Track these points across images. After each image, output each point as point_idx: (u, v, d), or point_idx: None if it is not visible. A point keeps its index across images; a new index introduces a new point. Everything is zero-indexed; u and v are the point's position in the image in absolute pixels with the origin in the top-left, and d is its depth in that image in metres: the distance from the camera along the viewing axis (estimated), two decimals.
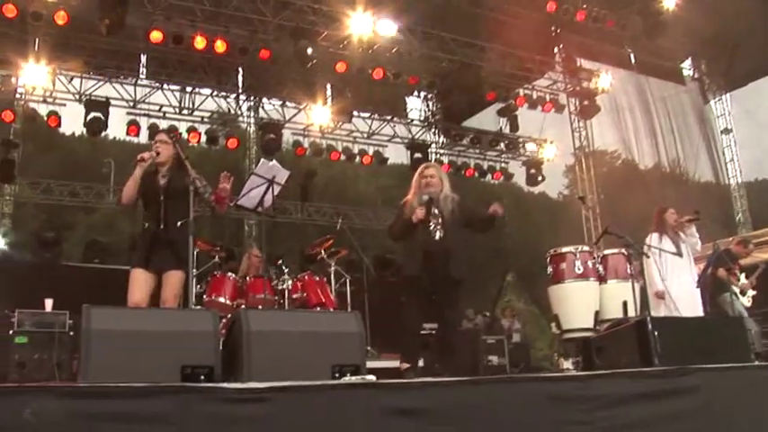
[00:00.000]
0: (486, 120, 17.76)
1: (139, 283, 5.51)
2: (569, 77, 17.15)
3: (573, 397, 4.08)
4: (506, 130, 17.56)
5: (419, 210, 6.10)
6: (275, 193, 6.78)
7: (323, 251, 8.84)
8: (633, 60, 16.69)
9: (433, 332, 11.46)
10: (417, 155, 16.60)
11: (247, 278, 7.95)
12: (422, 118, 17.82)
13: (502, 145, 17.72)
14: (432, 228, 6.19)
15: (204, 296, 7.63)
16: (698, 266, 8.41)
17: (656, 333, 5.28)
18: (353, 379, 4.12)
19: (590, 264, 7.59)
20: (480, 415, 3.66)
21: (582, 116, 17.46)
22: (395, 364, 9.73)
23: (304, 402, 3.26)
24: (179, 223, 5.52)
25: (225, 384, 3.27)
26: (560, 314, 7.65)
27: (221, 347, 4.40)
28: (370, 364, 4.84)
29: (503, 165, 18.03)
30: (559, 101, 17.03)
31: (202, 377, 4.13)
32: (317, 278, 8.12)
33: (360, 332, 4.67)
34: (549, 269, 7.72)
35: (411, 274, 6.23)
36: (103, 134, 14.17)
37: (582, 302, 7.53)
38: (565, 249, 7.65)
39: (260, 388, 3.20)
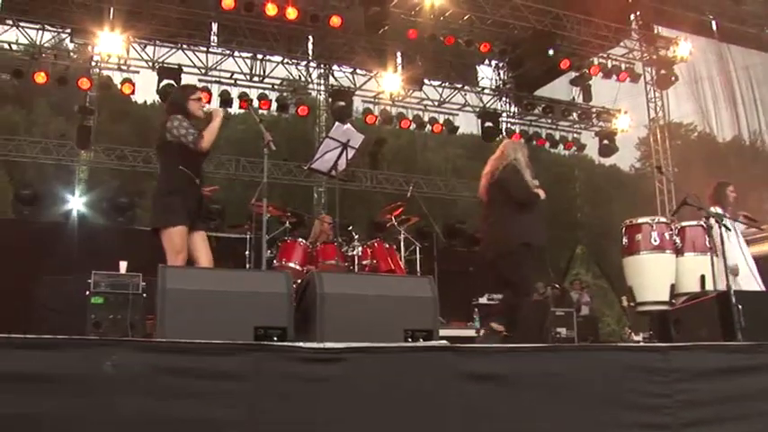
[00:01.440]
0: (559, 89, 17.37)
1: (185, 241, 5.36)
2: (646, 45, 16.63)
3: (653, 368, 3.98)
4: (579, 100, 17.19)
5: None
6: (349, 157, 6.72)
7: (393, 218, 8.80)
8: (714, 27, 16.06)
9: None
10: (488, 124, 16.37)
11: (318, 244, 7.98)
12: (493, 87, 17.55)
13: (574, 115, 17.38)
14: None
15: (274, 261, 7.66)
16: None
17: (739, 307, 5.11)
18: (432, 343, 4.06)
19: (667, 235, 7.37)
20: (558, 382, 3.59)
21: (658, 86, 16.94)
22: (465, 332, 9.77)
23: (380, 364, 3.23)
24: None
25: (302, 344, 3.26)
26: (634, 286, 7.47)
27: (294, 311, 4.42)
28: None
29: (575, 135, 17.69)
30: (635, 70, 16.52)
31: (275, 338, 4.17)
32: (387, 245, 8.09)
33: (433, 297, 4.64)
34: (624, 240, 7.52)
35: (539, 244, 6.62)
36: None
37: (657, 275, 7.33)
38: (641, 220, 7.44)
39: (337, 348, 3.19)
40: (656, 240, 7.33)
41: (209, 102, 14.08)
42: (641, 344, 6.16)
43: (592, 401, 3.77)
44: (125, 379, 2.96)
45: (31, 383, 2.83)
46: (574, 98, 17.25)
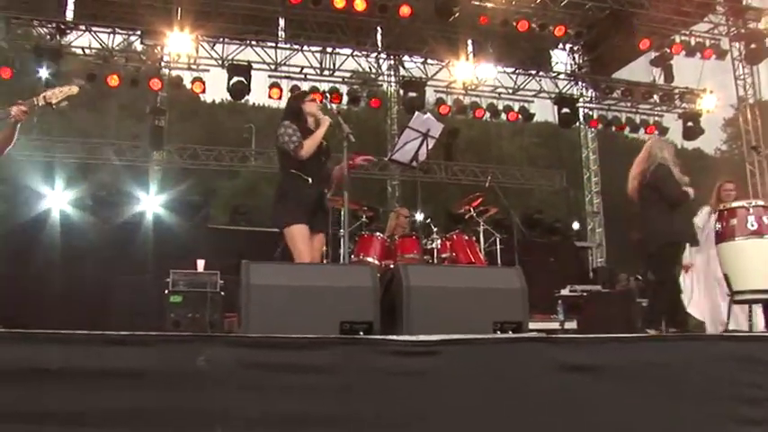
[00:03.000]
0: (638, 71, 16.96)
1: (307, 240, 5.56)
2: (733, 19, 16.02)
3: (761, 360, 3.81)
4: (660, 81, 16.72)
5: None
6: (429, 147, 6.74)
7: (472, 209, 8.69)
8: None
9: (585, 294, 11.23)
10: (565, 110, 16.08)
11: (395, 237, 7.98)
12: (568, 71, 17.25)
13: (655, 97, 16.91)
14: None
15: (352, 256, 7.65)
16: None
17: None
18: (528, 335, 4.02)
19: (765, 219, 7.08)
20: (660, 373, 3.49)
21: (748, 61, 16.30)
22: (548, 324, 9.62)
23: (477, 356, 3.20)
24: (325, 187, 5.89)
25: (394, 337, 3.25)
26: (730, 274, 7.18)
27: (379, 305, 4.43)
28: None
29: (656, 118, 17.21)
30: (721, 46, 16.00)
31: (361, 332, 4.18)
32: (467, 237, 8.02)
33: (522, 288, 4.60)
34: (718, 225, 7.26)
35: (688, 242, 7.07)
36: (243, 99, 14.55)
37: (756, 262, 7.02)
38: (736, 204, 7.16)
39: (431, 341, 3.17)
40: (753, 225, 7.02)
41: (279, 98, 14.25)
42: (742, 333, 5.99)
43: (692, 392, 3.64)
44: (218, 374, 2.99)
45: (127, 379, 2.89)
46: (654, 79, 16.79)
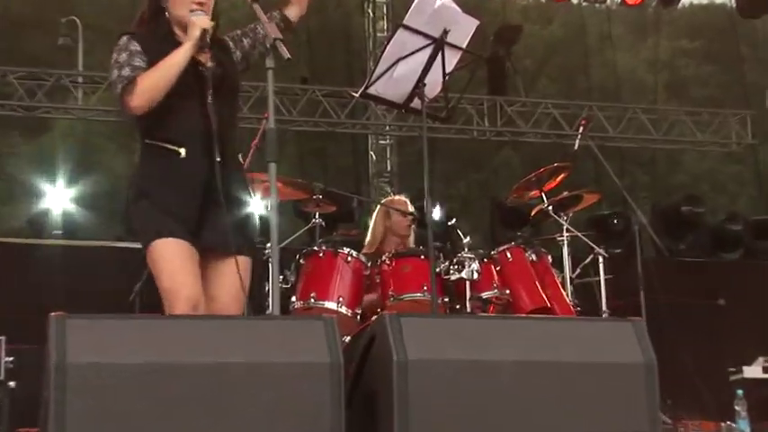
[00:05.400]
0: None
1: (189, 268, 3.41)
2: None
3: None
4: None
5: None
6: (450, 67, 4.21)
7: (544, 198, 6.09)
8: None
9: None
10: None
11: (384, 259, 5.66)
12: None
13: None
14: None
15: (293, 298, 5.49)
16: None
17: None
18: None
19: None
20: None
21: None
22: None
23: None
24: (241, 155, 3.57)
25: None
26: None
27: (345, 402, 2.77)
28: None
29: None
30: None
31: None
32: (533, 256, 5.75)
33: (648, 363, 2.90)
34: None
35: None
36: None
37: None
38: None
39: None
40: None
41: None
42: None
43: None
44: None
45: None
46: None
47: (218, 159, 3.37)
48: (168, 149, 3.42)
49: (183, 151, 3.41)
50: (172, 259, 3.35)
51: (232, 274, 3.46)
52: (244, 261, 3.47)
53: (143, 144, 3.50)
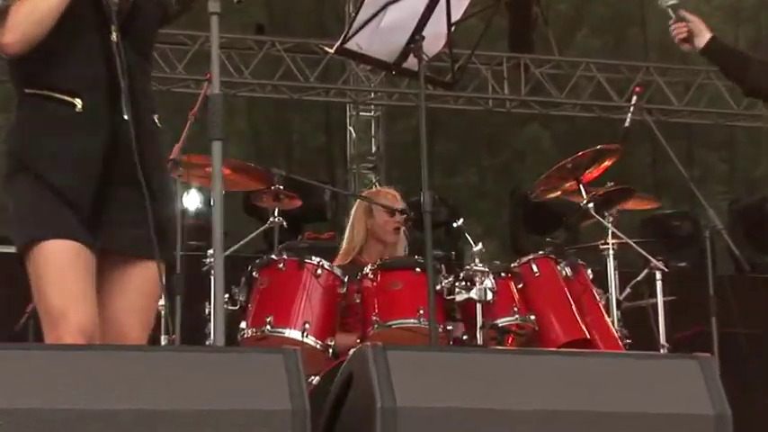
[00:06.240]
0: None
1: (86, 274, 3.48)
2: None
3: None
4: None
5: None
6: (459, 14, 4.47)
7: (583, 190, 6.31)
8: None
9: None
10: None
11: (366, 272, 5.90)
12: None
13: None
14: None
15: (243, 324, 5.74)
16: None
17: None
18: None
19: None
20: None
21: None
22: None
23: None
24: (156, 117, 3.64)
25: None
26: None
27: None
28: None
29: None
30: None
31: None
32: (567, 270, 6.05)
33: (721, 416, 3.09)
34: None
35: None
36: None
37: None
38: None
39: None
40: None
41: None
42: None
43: None
44: None
45: None
46: None
47: (126, 117, 3.38)
48: (58, 101, 3.45)
49: (78, 103, 3.44)
50: (64, 269, 3.39)
51: (137, 290, 3.55)
52: (154, 270, 3.52)
53: (22, 96, 3.51)
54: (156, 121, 3.72)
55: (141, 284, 3.55)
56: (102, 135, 3.46)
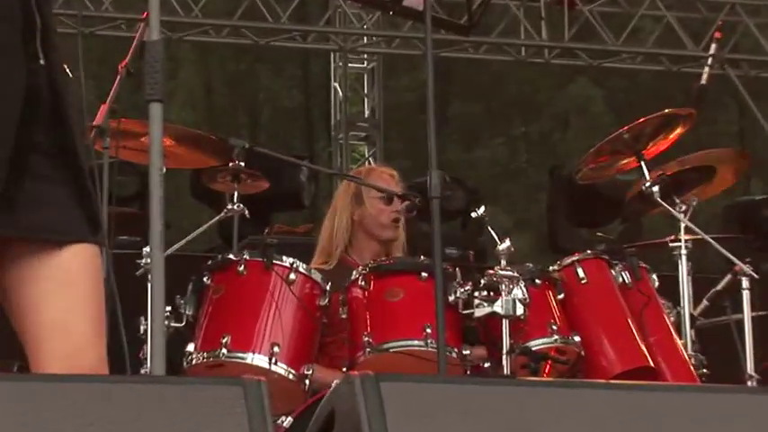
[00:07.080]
0: None
1: None
2: None
3: None
4: None
5: None
6: None
7: (644, 168, 6.41)
8: None
9: None
10: None
11: (355, 278, 5.96)
12: None
13: None
14: None
15: (190, 346, 5.80)
16: None
17: None
18: None
19: None
20: None
21: None
22: None
23: None
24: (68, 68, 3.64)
25: None
26: None
27: None
28: None
29: None
30: None
31: None
32: (626, 276, 6.08)
33: None
34: None
35: None
36: None
37: None
38: None
39: None
40: None
41: None
42: None
43: None
44: None
45: None
46: None
47: (43, 62, 3.41)
48: None
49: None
50: None
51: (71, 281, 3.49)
52: (92, 253, 3.51)
53: None
54: (68, 71, 3.73)
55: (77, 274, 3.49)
56: (16, 82, 3.44)
